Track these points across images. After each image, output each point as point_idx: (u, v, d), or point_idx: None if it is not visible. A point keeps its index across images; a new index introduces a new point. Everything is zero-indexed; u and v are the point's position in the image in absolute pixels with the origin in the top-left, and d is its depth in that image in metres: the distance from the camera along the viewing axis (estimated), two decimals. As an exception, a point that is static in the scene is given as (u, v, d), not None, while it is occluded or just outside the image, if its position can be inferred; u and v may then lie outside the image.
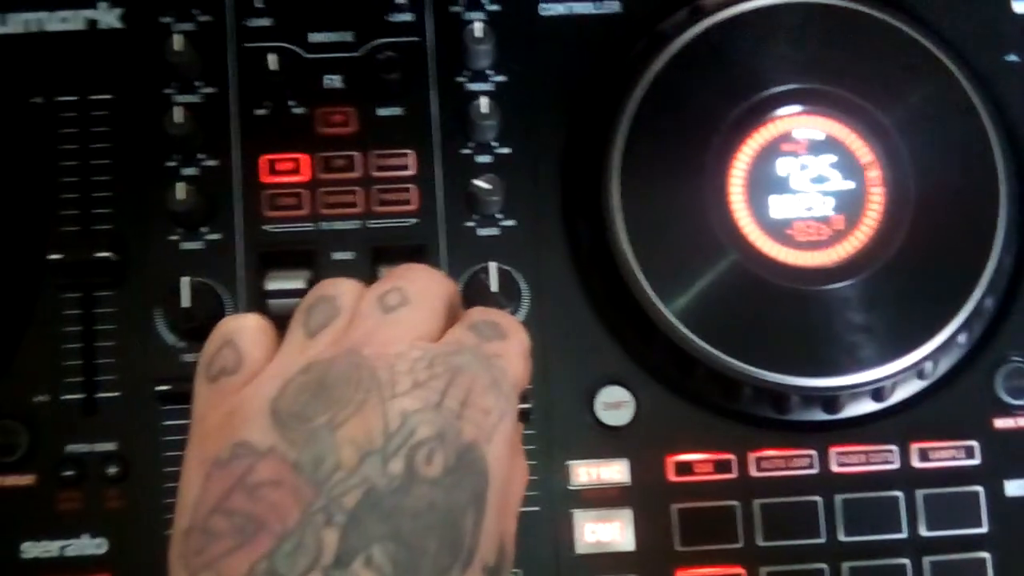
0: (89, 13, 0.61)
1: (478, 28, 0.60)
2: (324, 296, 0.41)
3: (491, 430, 0.38)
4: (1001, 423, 0.60)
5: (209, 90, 0.60)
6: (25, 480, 0.57)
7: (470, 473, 0.37)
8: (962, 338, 0.59)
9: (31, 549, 0.56)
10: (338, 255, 0.59)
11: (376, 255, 0.59)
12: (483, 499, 0.37)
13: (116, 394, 0.58)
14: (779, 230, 0.60)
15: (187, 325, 0.57)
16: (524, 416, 0.42)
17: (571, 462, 0.58)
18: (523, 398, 0.42)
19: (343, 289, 0.42)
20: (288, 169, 0.60)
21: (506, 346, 0.41)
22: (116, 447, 0.57)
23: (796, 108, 0.60)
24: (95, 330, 0.58)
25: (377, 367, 0.38)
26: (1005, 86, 0.62)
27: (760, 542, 0.58)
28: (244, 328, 0.41)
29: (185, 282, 0.56)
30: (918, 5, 0.63)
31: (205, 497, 0.37)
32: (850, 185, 0.60)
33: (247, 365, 0.40)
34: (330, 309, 0.41)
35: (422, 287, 0.42)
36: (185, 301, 0.56)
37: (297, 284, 0.58)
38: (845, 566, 0.58)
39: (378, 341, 0.39)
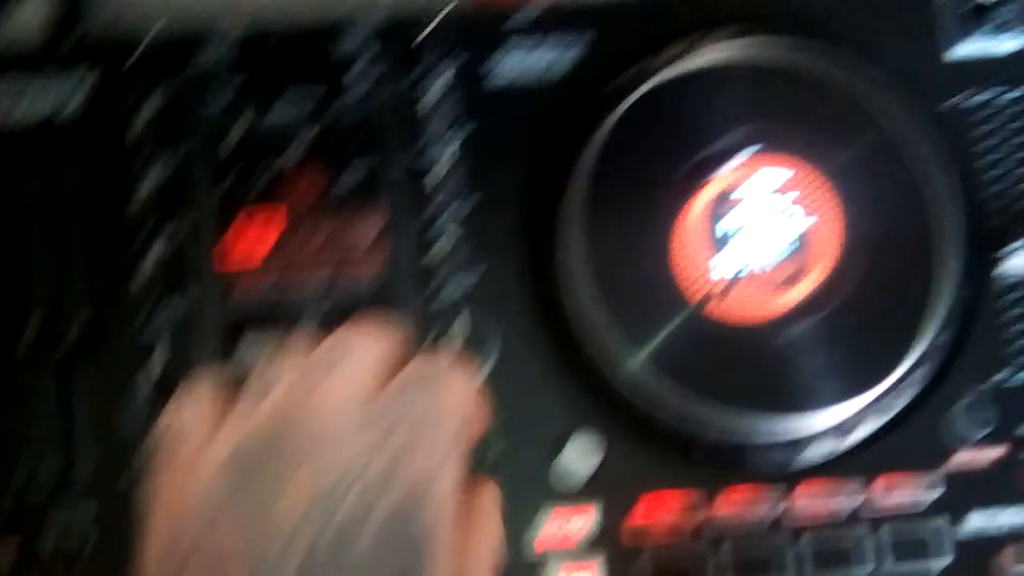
0: (52, 100, 0.62)
1: (432, 99, 0.61)
2: (272, 358, 0.42)
3: (433, 475, 0.38)
4: (961, 457, 0.61)
5: (172, 167, 0.62)
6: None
7: (402, 546, 0.37)
8: (919, 374, 0.61)
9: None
10: (306, 322, 0.60)
11: (343, 319, 0.60)
12: (421, 558, 0.37)
13: (92, 471, 0.58)
14: (735, 277, 0.61)
15: (161, 395, 0.58)
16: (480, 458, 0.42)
17: (540, 512, 0.59)
18: (475, 441, 0.42)
19: (284, 361, 0.42)
20: (253, 240, 0.61)
21: (448, 395, 0.41)
22: (93, 523, 0.58)
23: (747, 157, 0.62)
24: (71, 408, 0.59)
25: (315, 423, 0.38)
26: (946, 130, 0.64)
27: (730, 584, 0.59)
28: (191, 407, 0.42)
29: (157, 357, 0.57)
30: (854, 58, 0.65)
31: (165, 560, 0.37)
32: (803, 229, 0.61)
33: (195, 438, 0.41)
34: (263, 386, 0.41)
35: (363, 344, 0.43)
36: (156, 374, 0.57)
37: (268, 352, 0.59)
38: (814, 604, 0.59)
39: (318, 399, 0.40)
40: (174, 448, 0.41)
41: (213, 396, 0.43)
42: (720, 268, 0.61)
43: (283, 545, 0.36)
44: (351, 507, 0.36)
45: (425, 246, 0.61)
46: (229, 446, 0.39)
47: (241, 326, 0.60)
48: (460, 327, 0.59)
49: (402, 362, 0.44)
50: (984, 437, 0.62)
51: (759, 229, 0.62)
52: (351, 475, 0.37)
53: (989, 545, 0.61)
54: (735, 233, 0.62)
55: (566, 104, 0.65)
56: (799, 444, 0.60)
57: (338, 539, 0.36)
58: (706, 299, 0.60)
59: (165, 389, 0.58)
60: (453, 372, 0.43)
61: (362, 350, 0.43)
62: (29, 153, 0.63)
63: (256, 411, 0.40)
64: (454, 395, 0.42)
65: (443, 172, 0.62)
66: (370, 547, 0.36)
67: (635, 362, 0.59)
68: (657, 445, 0.60)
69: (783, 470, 0.61)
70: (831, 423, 0.60)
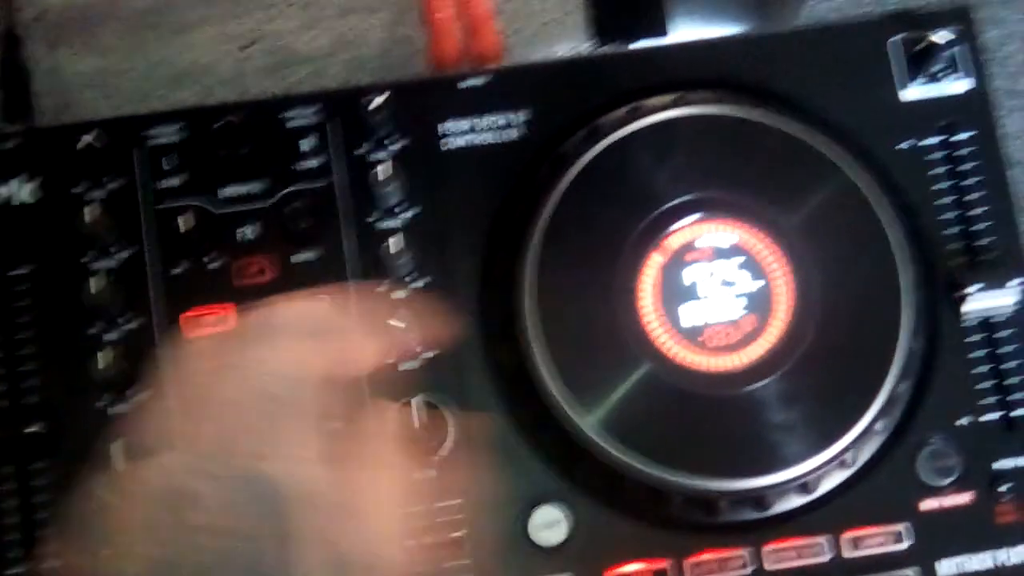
0: (2, 190, 0.62)
1: (383, 169, 0.62)
2: None
3: (267, 443, 0.37)
4: (927, 505, 0.61)
5: (125, 254, 0.62)
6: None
7: (255, 497, 0.36)
8: (880, 425, 0.61)
9: None
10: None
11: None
12: (280, 518, 0.36)
13: (58, 564, 0.58)
14: (692, 337, 0.61)
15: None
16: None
17: (511, 586, 0.59)
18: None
19: None
20: (210, 324, 0.61)
21: (266, 347, 0.40)
22: (61, 618, 0.57)
23: (698, 217, 0.62)
24: (33, 501, 0.59)
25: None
26: (900, 174, 0.65)
27: (703, 648, 0.59)
28: None
29: (117, 447, 0.57)
30: (809, 104, 0.65)
31: None
32: (757, 286, 0.62)
33: None
34: None
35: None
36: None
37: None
38: (788, 662, 0.59)
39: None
40: None
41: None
42: (678, 327, 0.61)
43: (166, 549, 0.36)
44: (204, 503, 0.36)
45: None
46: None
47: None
48: (418, 403, 0.59)
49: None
50: (950, 484, 0.61)
51: (713, 288, 0.62)
52: (198, 476, 0.37)
53: (959, 591, 0.61)
54: (691, 290, 0.62)
55: (520, 166, 0.65)
56: (765, 501, 0.60)
57: (207, 533, 0.36)
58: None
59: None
60: (275, 315, 0.42)
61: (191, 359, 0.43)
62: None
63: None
64: (275, 336, 0.41)
65: (399, 240, 0.61)
66: (232, 529, 0.36)
67: (595, 426, 0.59)
68: (624, 510, 0.61)
69: (750, 528, 0.61)
70: (796, 478, 0.60)
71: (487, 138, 0.64)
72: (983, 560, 0.61)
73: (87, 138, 0.62)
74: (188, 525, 0.36)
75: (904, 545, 0.60)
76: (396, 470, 0.42)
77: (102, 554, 0.39)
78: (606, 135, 0.63)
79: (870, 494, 0.61)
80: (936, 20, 0.66)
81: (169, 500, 0.36)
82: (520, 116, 0.65)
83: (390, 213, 0.63)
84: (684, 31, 0.72)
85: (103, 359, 0.58)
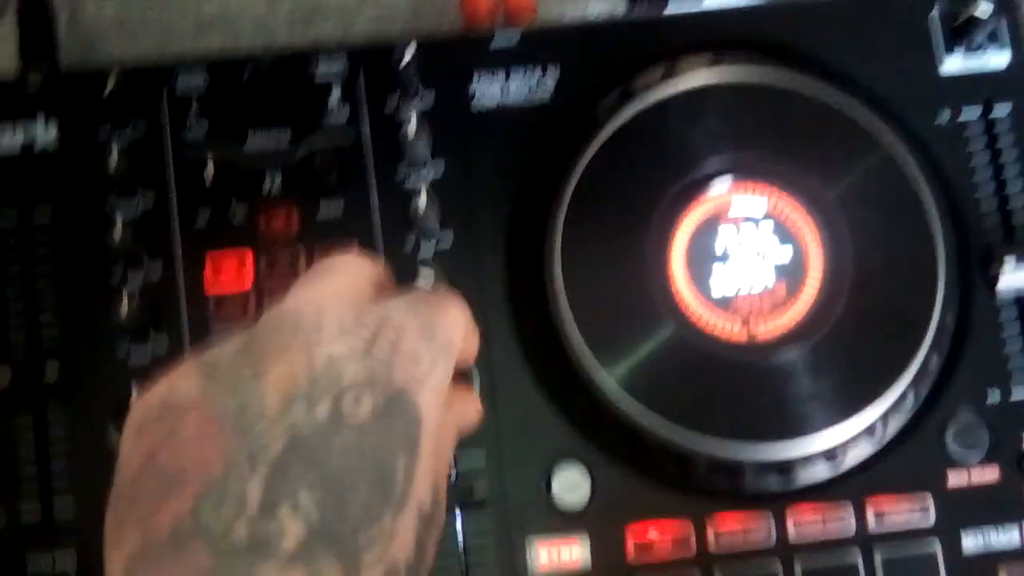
0: (26, 132, 0.61)
1: (413, 124, 0.61)
2: None
3: (422, 377, 0.38)
4: (954, 478, 0.60)
5: (149, 201, 0.61)
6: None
7: (400, 417, 0.37)
8: (910, 397, 0.60)
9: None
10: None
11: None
12: (415, 444, 0.37)
13: (72, 514, 0.58)
14: (723, 302, 0.60)
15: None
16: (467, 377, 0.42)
17: (530, 545, 0.58)
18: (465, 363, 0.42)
19: None
20: (232, 274, 0.60)
21: (440, 304, 0.42)
22: (75, 566, 0.57)
23: (731, 183, 0.61)
24: (49, 451, 0.58)
25: (302, 315, 0.38)
26: (939, 147, 0.64)
27: (723, 614, 0.58)
28: None
29: (134, 399, 0.56)
30: (848, 72, 0.64)
31: (134, 457, 0.36)
32: (789, 254, 0.61)
33: None
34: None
35: (343, 263, 0.43)
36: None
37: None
38: (808, 632, 0.58)
39: (303, 297, 0.39)
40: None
41: None
42: (708, 292, 0.60)
43: (258, 438, 0.36)
44: (327, 409, 0.36)
45: (404, 279, 0.60)
46: (215, 348, 0.39)
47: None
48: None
49: (386, 286, 0.45)
50: (978, 459, 0.61)
51: (744, 255, 0.61)
52: (328, 378, 0.37)
53: (982, 566, 0.60)
54: (723, 256, 0.61)
55: (550, 128, 0.64)
56: (790, 469, 0.60)
57: (313, 439, 0.36)
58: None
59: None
60: (443, 299, 0.43)
61: (353, 267, 0.43)
62: (4, 179, 0.62)
63: (255, 325, 0.40)
64: (443, 315, 0.42)
65: (425, 198, 0.60)
66: (375, 415, 0.37)
67: (620, 387, 0.58)
68: (647, 474, 0.60)
69: (774, 496, 0.60)
70: (823, 448, 0.59)
71: (517, 97, 0.63)
72: (1008, 536, 0.60)
73: (111, 84, 0.61)
74: (344, 426, 0.36)
75: (929, 518, 0.60)
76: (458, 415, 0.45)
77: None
78: (639, 97, 0.62)
79: (897, 466, 0.60)
80: (977, -8, 0.65)
81: (331, 397, 0.36)
82: (551, 76, 0.64)
83: (417, 170, 0.62)
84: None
85: (123, 308, 0.57)
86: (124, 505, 0.36)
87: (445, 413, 0.41)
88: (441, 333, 0.41)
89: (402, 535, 0.36)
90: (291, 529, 0.34)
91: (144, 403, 0.38)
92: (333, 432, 0.36)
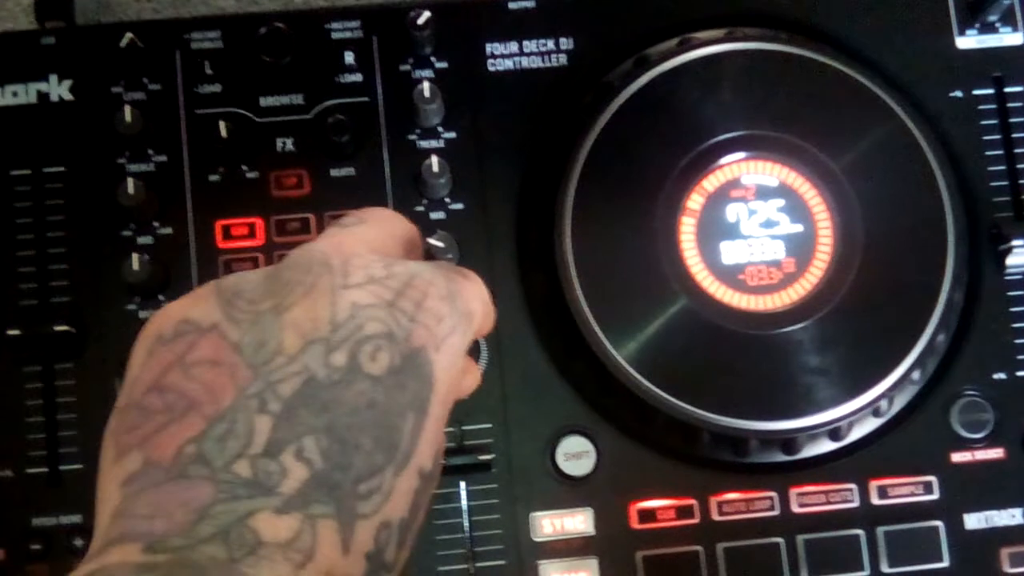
0: (39, 86, 0.61)
1: (427, 87, 0.60)
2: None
3: (441, 339, 0.38)
4: (958, 457, 0.60)
5: (162, 158, 0.61)
6: (-7, 555, 0.57)
7: (415, 376, 0.37)
8: (916, 375, 0.60)
9: (-1, 623, 0.56)
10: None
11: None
12: (425, 404, 0.37)
13: (80, 466, 0.58)
14: (731, 275, 0.60)
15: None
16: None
17: (535, 514, 0.59)
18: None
19: None
20: (243, 234, 0.60)
21: (466, 279, 0.41)
22: (82, 519, 0.57)
23: (744, 154, 0.61)
24: (56, 403, 0.58)
25: (330, 256, 0.37)
26: (951, 123, 0.63)
27: (725, 586, 0.58)
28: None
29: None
30: (862, 46, 0.64)
31: (143, 374, 0.36)
32: (799, 228, 0.61)
33: None
34: None
35: (380, 215, 0.43)
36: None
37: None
38: (809, 606, 0.58)
39: (334, 240, 0.39)
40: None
41: None
42: (718, 264, 0.60)
43: (271, 374, 0.35)
44: (344, 357, 0.36)
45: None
46: (239, 274, 0.38)
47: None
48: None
49: (416, 251, 0.44)
50: (983, 438, 0.61)
51: (755, 228, 0.61)
52: (350, 325, 0.36)
53: (985, 547, 0.60)
54: (733, 228, 0.61)
55: (563, 94, 0.64)
56: (794, 444, 0.60)
57: (326, 385, 0.35)
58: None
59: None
60: (467, 273, 0.43)
61: (387, 222, 0.43)
62: (18, 134, 0.61)
63: (285, 259, 0.39)
64: (466, 286, 0.41)
65: (439, 159, 0.60)
66: (391, 369, 0.36)
67: (627, 358, 0.58)
68: (651, 445, 0.60)
69: (778, 469, 0.60)
70: (827, 423, 0.59)
71: (533, 62, 0.63)
72: (1011, 515, 0.60)
73: (128, 39, 0.61)
74: (358, 378, 0.35)
75: (933, 496, 0.60)
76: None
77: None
78: (654, 66, 0.62)
79: (901, 444, 0.61)
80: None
81: (349, 346, 0.36)
82: (567, 42, 0.64)
83: (431, 132, 0.62)
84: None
85: (135, 262, 0.58)
86: (128, 421, 0.35)
87: (458, 379, 0.41)
88: (463, 302, 0.40)
89: (400, 493, 0.36)
90: (293, 472, 0.34)
91: (159, 319, 0.37)
92: (347, 382, 0.35)
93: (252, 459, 0.33)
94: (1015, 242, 0.61)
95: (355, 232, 0.40)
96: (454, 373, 0.39)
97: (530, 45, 0.63)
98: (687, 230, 0.60)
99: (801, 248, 0.60)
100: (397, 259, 0.39)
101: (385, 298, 0.37)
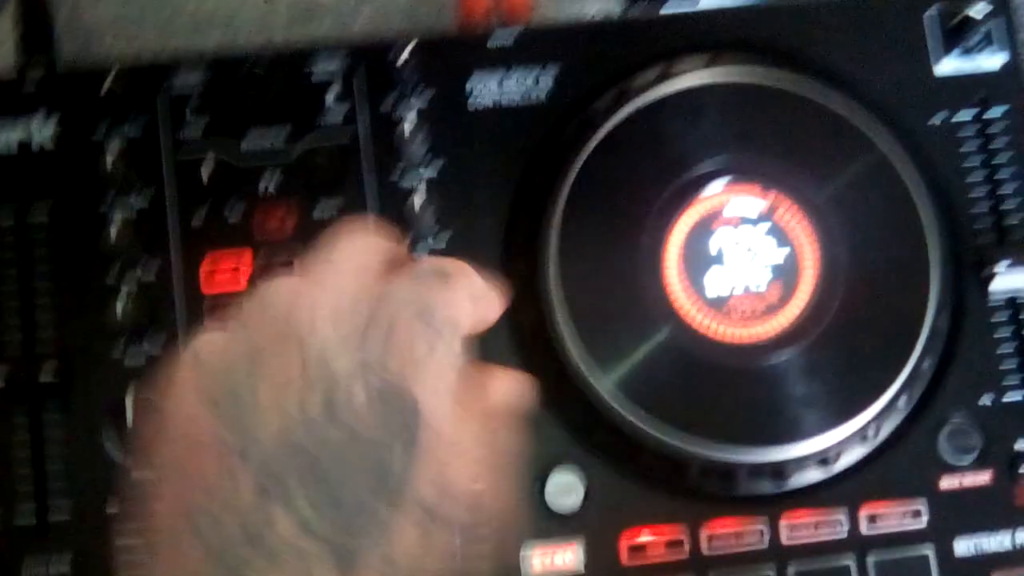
0: (21, 132, 0.61)
1: (409, 125, 0.60)
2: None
3: (418, 364, 0.38)
4: (947, 483, 0.60)
5: (145, 202, 0.61)
6: (-18, 604, 0.57)
7: (395, 409, 0.37)
8: (902, 401, 0.60)
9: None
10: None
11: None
12: (413, 433, 0.37)
13: (68, 516, 0.58)
14: (716, 306, 0.60)
15: (135, 443, 0.57)
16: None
17: (524, 550, 0.59)
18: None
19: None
20: (228, 275, 0.60)
21: (443, 288, 0.41)
22: (70, 568, 0.57)
23: (726, 184, 0.61)
24: (44, 452, 0.58)
25: (296, 312, 0.38)
26: (932, 149, 0.64)
27: (717, 618, 0.58)
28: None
29: (129, 400, 0.56)
30: (842, 74, 0.64)
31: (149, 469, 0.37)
32: (783, 258, 0.61)
33: None
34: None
35: (346, 247, 0.42)
36: (130, 420, 0.56)
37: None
38: (802, 636, 0.58)
39: (300, 298, 0.39)
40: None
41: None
42: (703, 295, 0.60)
43: (249, 430, 0.36)
44: (319, 402, 0.36)
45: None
46: (221, 342, 0.39)
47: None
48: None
49: (397, 262, 0.44)
50: (970, 463, 0.61)
51: (739, 257, 0.61)
52: (319, 370, 0.37)
53: (975, 572, 0.60)
54: (717, 258, 0.61)
55: (546, 127, 0.64)
56: (783, 473, 0.60)
57: (305, 431, 0.36)
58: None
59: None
60: (446, 273, 0.42)
61: (359, 246, 0.43)
62: (2, 181, 0.61)
63: (248, 308, 0.40)
64: (443, 291, 0.41)
65: (422, 197, 0.60)
66: (369, 404, 0.37)
67: (613, 390, 0.58)
68: (641, 477, 0.60)
69: (768, 499, 0.60)
70: (815, 452, 0.59)
71: (514, 97, 0.63)
72: (1001, 540, 0.60)
73: (109, 83, 0.61)
74: (336, 418, 0.36)
75: (922, 522, 0.60)
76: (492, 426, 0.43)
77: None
78: (635, 98, 0.62)
79: (890, 470, 0.61)
80: (973, -7, 0.65)
81: (322, 389, 0.36)
82: (548, 76, 0.64)
83: (414, 169, 0.62)
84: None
85: (120, 307, 0.58)
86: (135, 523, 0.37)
87: (476, 392, 0.41)
88: (440, 312, 0.40)
89: (401, 528, 0.36)
90: (282, 521, 0.34)
91: (170, 401, 0.38)
92: (325, 424, 0.36)
93: (238, 511, 0.34)
94: (998, 267, 0.61)
95: (320, 281, 0.40)
96: (444, 391, 0.38)
97: (512, 79, 0.64)
98: (671, 261, 0.61)
99: (785, 277, 0.61)
100: (370, 284, 0.40)
101: (352, 338, 0.37)
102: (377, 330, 0.38)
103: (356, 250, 0.43)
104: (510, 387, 0.45)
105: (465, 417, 0.40)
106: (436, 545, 0.37)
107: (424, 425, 0.37)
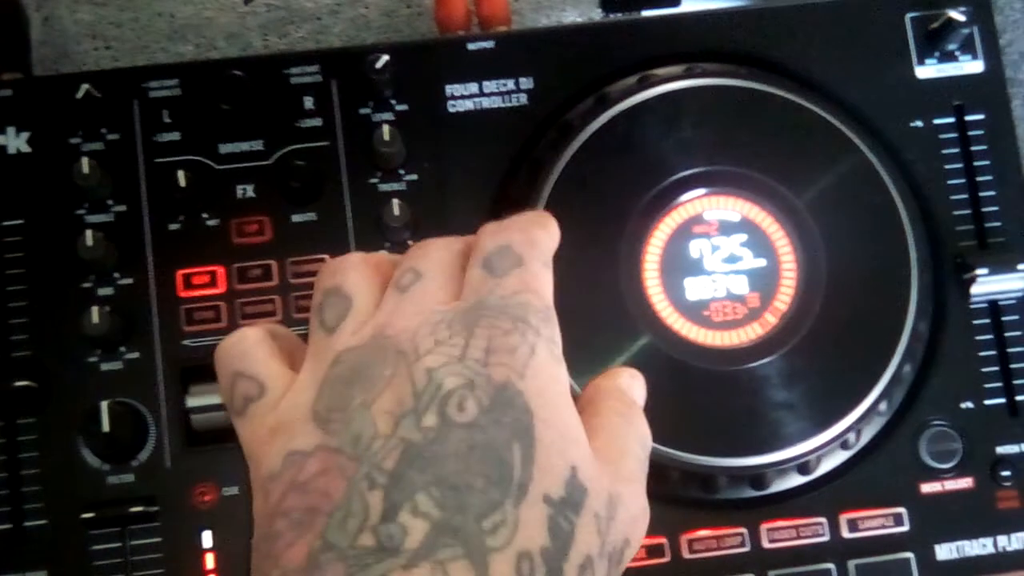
0: (-3, 141, 0.61)
1: (387, 130, 0.60)
2: (330, 290, 0.42)
3: (522, 367, 0.39)
4: (927, 488, 0.60)
5: (121, 208, 0.61)
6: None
7: (508, 410, 0.38)
8: (883, 406, 0.60)
9: None
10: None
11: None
12: (529, 431, 0.38)
13: (43, 522, 0.57)
14: (696, 311, 0.60)
15: (109, 449, 0.57)
16: None
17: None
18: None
19: (347, 276, 0.42)
20: (204, 282, 0.60)
21: (523, 273, 0.42)
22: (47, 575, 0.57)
23: (705, 190, 0.61)
24: (19, 458, 0.58)
25: (400, 341, 0.39)
26: (912, 153, 0.63)
27: (697, 625, 0.58)
28: (248, 352, 0.42)
29: (104, 406, 0.56)
30: (822, 78, 0.64)
31: (264, 509, 0.38)
32: (763, 263, 0.61)
33: (268, 383, 0.41)
34: (341, 301, 0.42)
35: (433, 258, 0.43)
36: (105, 426, 0.56)
37: (220, 399, 0.58)
38: (782, 643, 0.58)
39: (398, 320, 0.40)
40: (247, 398, 0.41)
41: (263, 335, 0.43)
42: (682, 301, 0.60)
43: (373, 456, 0.37)
44: (435, 417, 0.37)
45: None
46: (317, 380, 0.40)
47: (191, 375, 0.59)
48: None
49: (469, 251, 0.45)
50: (952, 468, 0.61)
51: (718, 263, 0.61)
52: (430, 389, 0.38)
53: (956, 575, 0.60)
54: (696, 264, 0.61)
55: (524, 134, 0.64)
56: (763, 480, 0.60)
57: (425, 444, 0.37)
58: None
59: (114, 444, 0.56)
60: (525, 238, 0.43)
61: (436, 264, 0.43)
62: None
63: (336, 340, 0.41)
64: (532, 268, 0.42)
65: (400, 203, 0.60)
66: (482, 412, 0.38)
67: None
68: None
69: (748, 506, 0.60)
70: (796, 457, 0.59)
71: (493, 103, 0.63)
72: (982, 545, 0.60)
73: (85, 89, 0.60)
74: (453, 430, 0.37)
75: (903, 528, 0.60)
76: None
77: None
78: (614, 104, 0.62)
79: (870, 476, 0.60)
80: (953, -2, 0.65)
81: (437, 410, 0.38)
82: (527, 82, 0.64)
83: (392, 175, 0.62)
84: (696, 1, 0.71)
85: (95, 314, 0.57)
86: (263, 550, 0.37)
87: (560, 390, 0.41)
88: (532, 314, 0.41)
89: (529, 523, 0.37)
90: (413, 528, 0.35)
91: (264, 461, 0.39)
92: (443, 436, 0.37)
93: (372, 529, 0.35)
94: (979, 271, 0.61)
95: (414, 299, 0.41)
96: (553, 386, 0.40)
97: (490, 85, 0.63)
98: (651, 267, 0.60)
99: (765, 283, 0.60)
100: (457, 308, 0.40)
101: (455, 354, 0.39)
102: (477, 348, 0.39)
103: (438, 262, 0.43)
104: (625, 380, 0.47)
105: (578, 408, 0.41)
106: (572, 532, 0.38)
107: (539, 421, 0.38)
